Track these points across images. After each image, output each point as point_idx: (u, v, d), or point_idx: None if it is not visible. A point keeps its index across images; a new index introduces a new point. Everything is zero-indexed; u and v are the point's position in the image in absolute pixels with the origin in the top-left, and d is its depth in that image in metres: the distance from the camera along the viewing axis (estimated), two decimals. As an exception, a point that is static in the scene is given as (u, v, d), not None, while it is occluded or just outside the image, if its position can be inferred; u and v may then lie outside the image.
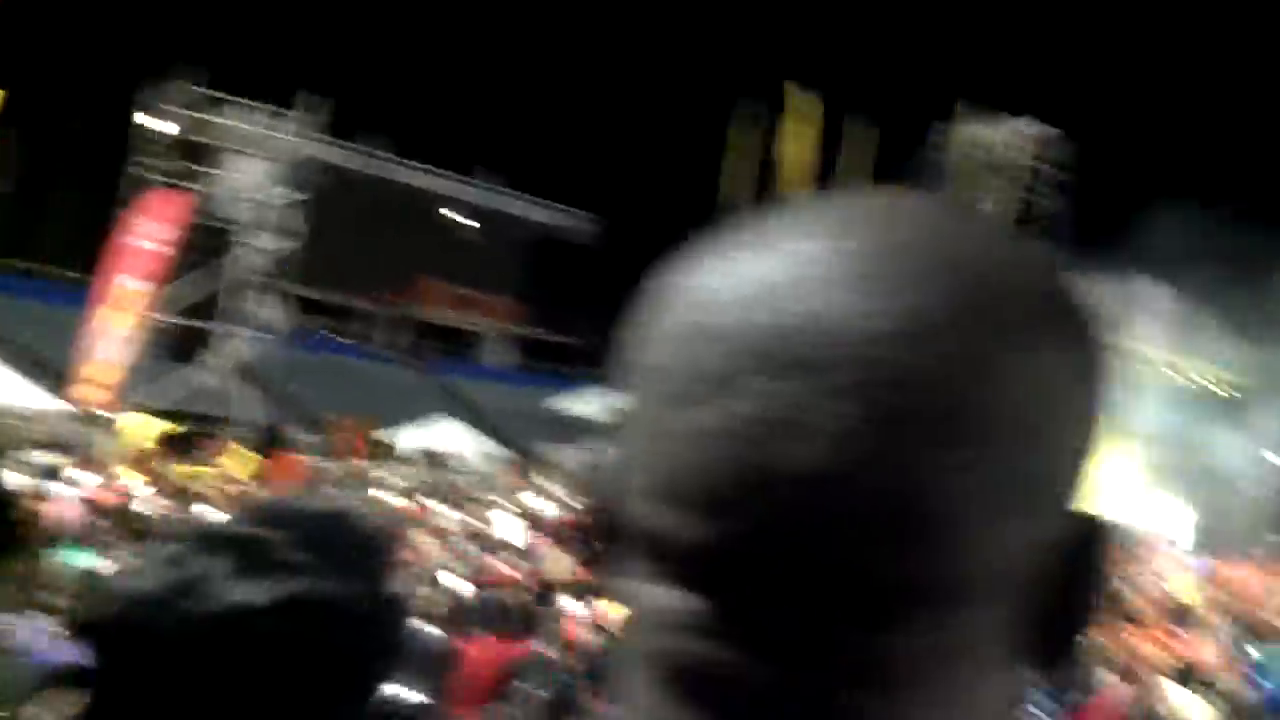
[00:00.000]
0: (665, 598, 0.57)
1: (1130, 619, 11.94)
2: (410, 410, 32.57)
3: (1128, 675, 8.61)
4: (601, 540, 0.62)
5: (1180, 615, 13.51)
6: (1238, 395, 39.72)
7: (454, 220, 47.95)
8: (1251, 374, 39.00)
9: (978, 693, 0.57)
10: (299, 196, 32.64)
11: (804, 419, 0.53)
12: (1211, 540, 31.89)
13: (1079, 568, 0.59)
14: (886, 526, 0.52)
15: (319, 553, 1.26)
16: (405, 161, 45.74)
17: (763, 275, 0.57)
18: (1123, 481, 35.86)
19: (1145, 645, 10.30)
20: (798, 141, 31.99)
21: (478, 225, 48.01)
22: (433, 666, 5.68)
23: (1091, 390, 0.60)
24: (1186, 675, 9.02)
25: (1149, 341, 36.13)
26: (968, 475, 0.53)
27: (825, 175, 32.73)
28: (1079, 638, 0.60)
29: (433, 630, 7.31)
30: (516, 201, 48.69)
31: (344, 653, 1.24)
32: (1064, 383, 0.58)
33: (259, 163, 32.16)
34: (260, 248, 32.19)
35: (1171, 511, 35.47)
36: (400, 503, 15.89)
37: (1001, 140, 35.75)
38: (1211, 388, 39.78)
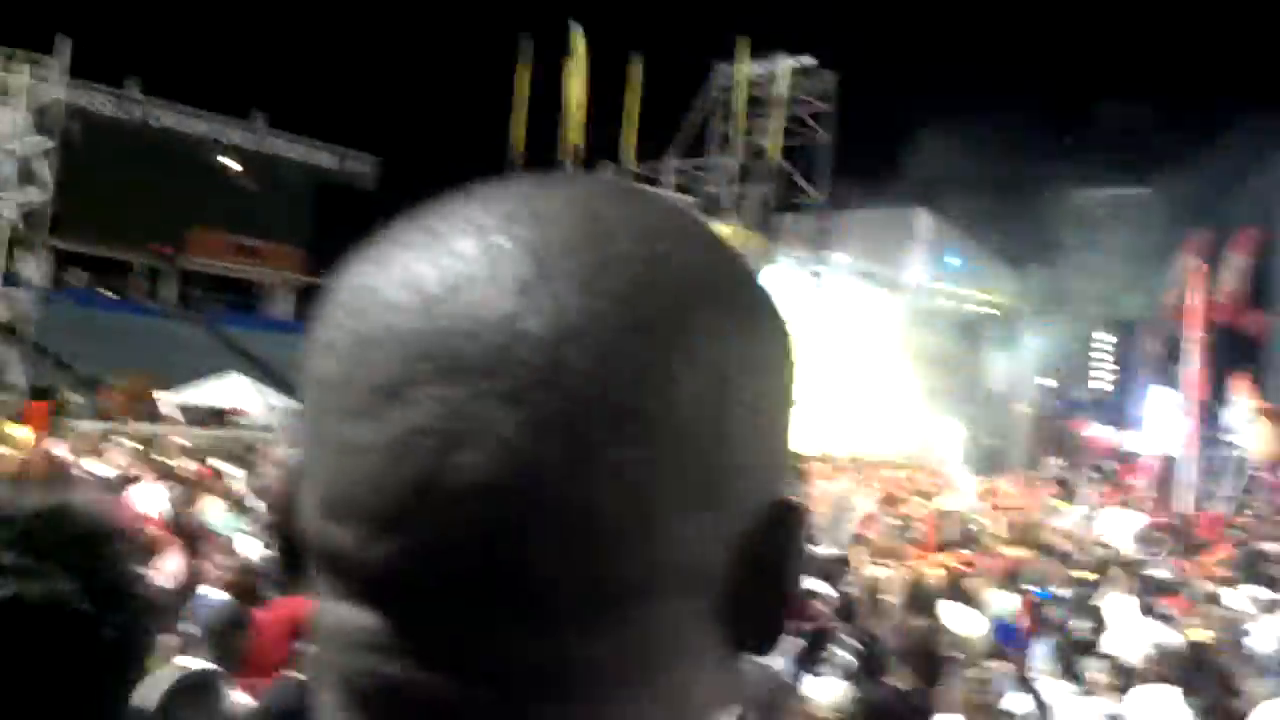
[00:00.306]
0: (346, 615, 0.56)
1: (913, 541, 12.49)
2: (194, 367, 31.48)
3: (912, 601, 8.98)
4: (283, 558, 0.60)
5: (961, 535, 14.22)
6: (1006, 318, 41.73)
7: (228, 166, 46.27)
8: (1019, 297, 41.05)
9: (680, 688, 0.58)
10: (49, 144, 30.81)
11: (471, 427, 0.52)
12: (986, 460, 33.55)
13: (775, 552, 0.59)
14: (561, 533, 0.52)
15: (34, 554, 1.20)
16: (173, 105, 43.80)
17: (425, 275, 0.55)
18: (902, 406, 37.37)
19: (927, 566, 10.81)
20: (580, 80, 31.90)
21: (254, 171, 46.43)
22: (222, 633, 5.52)
23: (774, 376, 0.60)
24: (964, 594, 9.48)
25: (919, 268, 37.59)
26: (641, 476, 0.53)
27: (605, 114, 32.81)
28: (783, 619, 0.60)
29: (222, 596, 7.12)
30: (294, 144, 47.27)
31: (70, 653, 1.20)
32: (741, 373, 0.57)
33: (2, 110, 30.24)
34: (11, 200, 30.33)
35: (948, 434, 37.08)
36: (188, 465, 15.34)
37: (769, 76, 36.34)
38: (981, 311, 41.67)
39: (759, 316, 0.60)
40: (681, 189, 35.62)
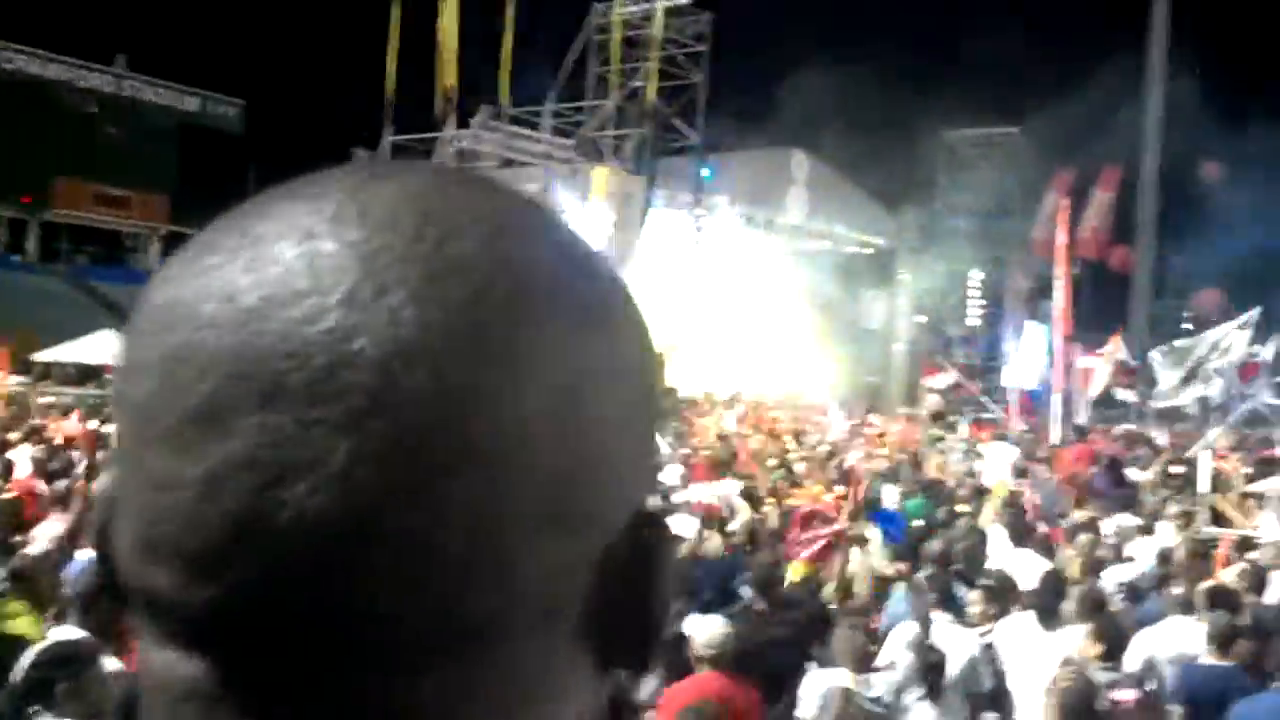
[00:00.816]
0: (170, 663, 0.51)
1: (796, 483, 12.64)
2: (61, 323, 30.42)
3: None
4: (108, 591, 0.55)
5: (840, 471, 14.44)
6: (882, 257, 42.33)
7: (90, 113, 44.57)
8: (894, 236, 41.66)
9: (548, 713, 0.54)
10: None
11: (297, 458, 0.47)
12: (866, 398, 34.11)
13: (640, 567, 0.55)
14: (401, 570, 0.48)
15: None
16: (30, 50, 42.00)
17: (241, 286, 0.50)
18: (784, 347, 37.79)
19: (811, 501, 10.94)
20: (453, 20, 31.28)
21: (117, 117, 44.79)
22: (92, 598, 5.35)
23: (631, 380, 0.56)
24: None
25: (795, 209, 37.87)
26: (488, 503, 0.49)
27: (481, 55, 32.31)
28: (656, 635, 0.57)
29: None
30: (158, 89, 45.69)
31: None
32: (594, 382, 0.53)
33: None
34: None
35: (828, 372, 37.59)
36: (68, 425, 14.83)
37: (645, 16, 36.10)
38: (857, 251, 42.21)
39: (613, 316, 0.56)
40: (559, 132, 35.32)
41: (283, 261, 0.50)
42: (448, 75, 30.92)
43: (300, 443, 0.47)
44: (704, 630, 6.17)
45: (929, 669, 6.41)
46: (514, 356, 0.50)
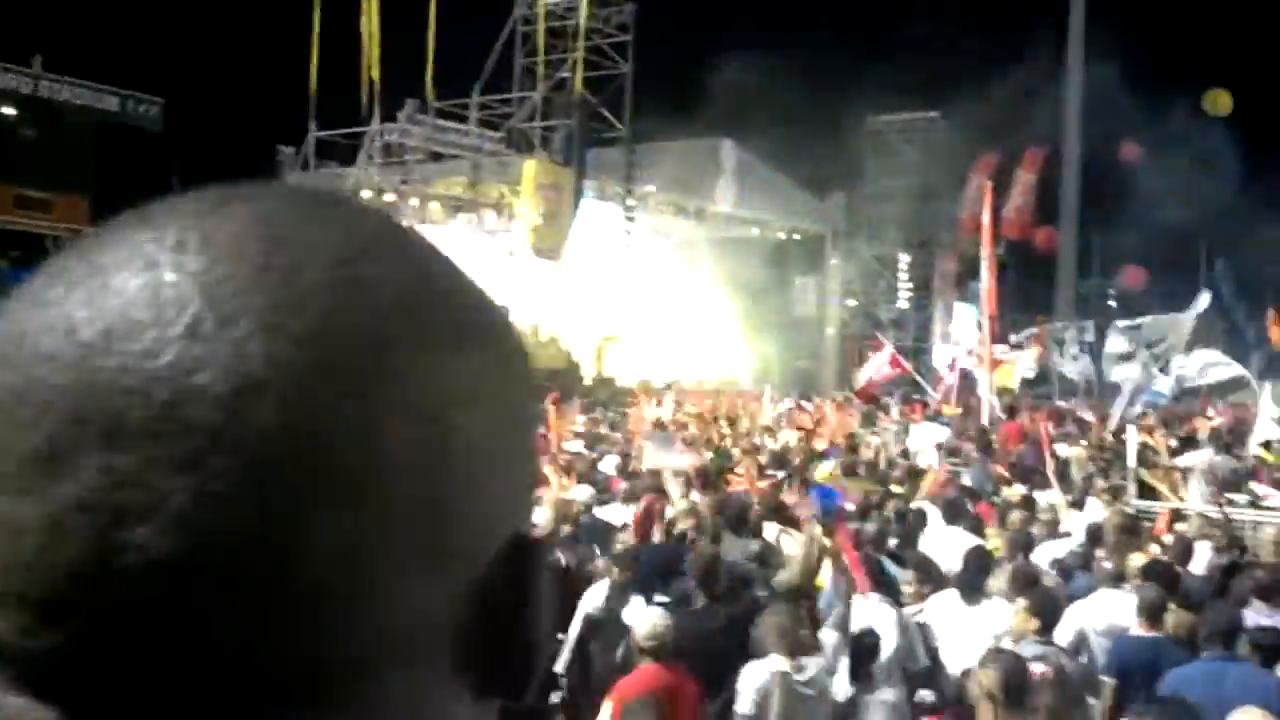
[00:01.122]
0: (20, 709, 0.48)
1: (729, 469, 12.67)
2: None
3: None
4: None
5: (773, 456, 14.51)
6: (811, 243, 42.59)
7: (7, 115, 43.63)
8: (823, 221, 41.92)
9: None
10: None
11: (140, 500, 0.45)
12: (799, 382, 34.32)
13: (514, 595, 0.54)
14: (253, 612, 0.46)
15: None
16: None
17: (80, 319, 0.48)
18: (717, 334, 37.94)
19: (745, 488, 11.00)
20: (375, 13, 30.98)
21: (33, 118, 43.90)
22: None
23: (502, 402, 0.54)
24: (782, 513, 9.69)
25: (724, 197, 37.98)
26: (345, 541, 0.47)
27: (405, 48, 32.04)
28: (532, 662, 0.56)
29: None
30: (75, 89, 44.80)
31: None
32: (458, 408, 0.51)
33: None
34: None
35: (761, 358, 37.80)
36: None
37: (568, 7, 35.95)
38: (787, 237, 42.44)
39: (479, 338, 0.54)
40: (486, 124, 35.13)
41: (124, 293, 0.48)
42: (371, 69, 30.64)
43: (142, 483, 0.45)
44: (643, 622, 6.15)
45: (859, 650, 6.44)
46: (368, 386, 0.48)
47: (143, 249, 0.49)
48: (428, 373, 0.50)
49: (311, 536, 0.46)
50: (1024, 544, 8.99)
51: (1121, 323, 23.30)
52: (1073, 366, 28.06)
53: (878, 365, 23.97)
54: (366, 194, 30.41)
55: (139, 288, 0.48)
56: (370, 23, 30.72)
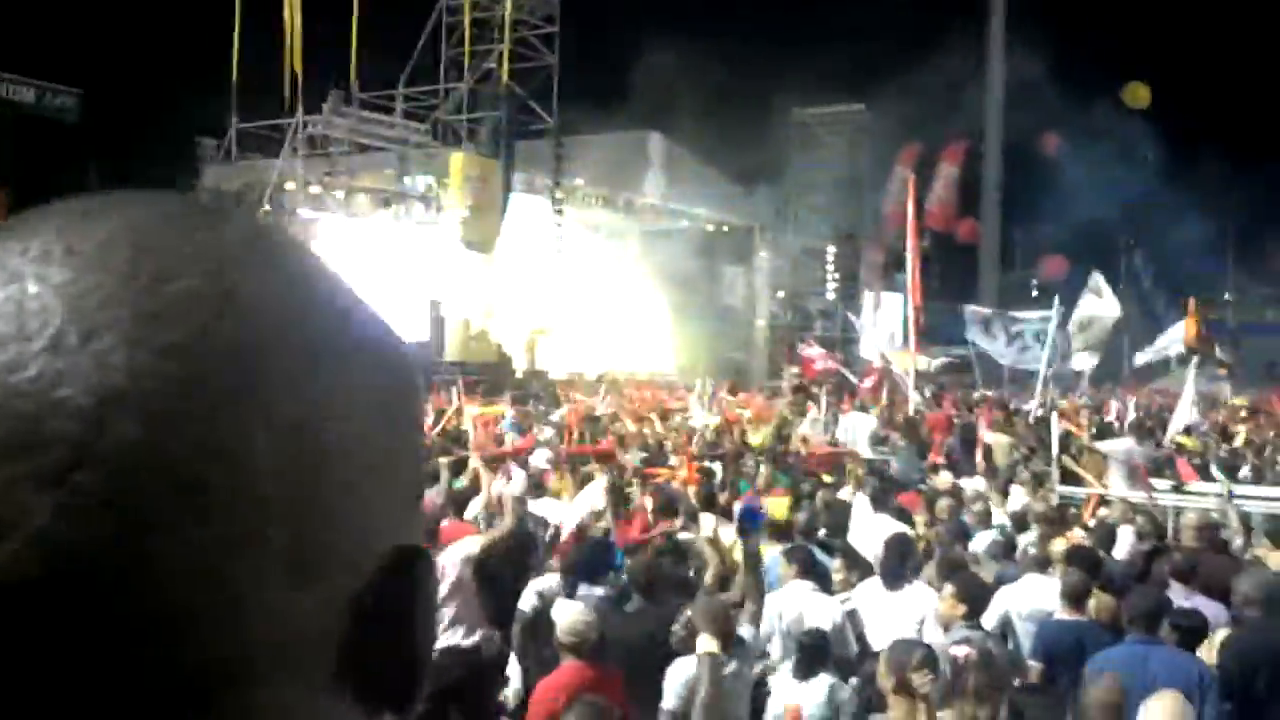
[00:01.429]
0: None
1: (658, 463, 12.68)
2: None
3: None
4: None
5: (705, 447, 14.55)
6: (739, 235, 42.78)
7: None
8: (751, 214, 42.13)
9: None
10: None
11: (3, 516, 0.44)
12: (730, 374, 34.45)
13: (396, 607, 0.54)
14: (119, 629, 0.45)
15: None
16: None
17: None
18: (649, 326, 37.98)
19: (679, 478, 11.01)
20: (298, 5, 30.58)
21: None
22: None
23: (381, 411, 0.54)
24: (714, 505, 9.71)
25: (653, 190, 38.03)
26: (213, 555, 0.46)
27: (329, 40, 31.69)
28: (417, 674, 0.56)
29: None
30: (-12, 81, 43.83)
31: None
32: (333, 419, 0.50)
33: None
34: None
35: (692, 349, 37.86)
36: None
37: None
38: (715, 229, 42.57)
39: (355, 349, 0.53)
40: (412, 116, 34.85)
41: None
42: (294, 60, 30.23)
43: (4, 500, 0.44)
44: (564, 618, 6.10)
45: (806, 644, 6.44)
46: (234, 399, 0.47)
47: (6, 261, 0.48)
48: (298, 385, 0.49)
49: (174, 551, 0.45)
50: (960, 532, 9.08)
51: (1019, 313, 23.51)
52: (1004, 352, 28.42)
53: (817, 356, 24.16)
54: (290, 186, 30.08)
55: (1, 301, 0.47)
56: (292, 12, 30.31)
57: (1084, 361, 22.61)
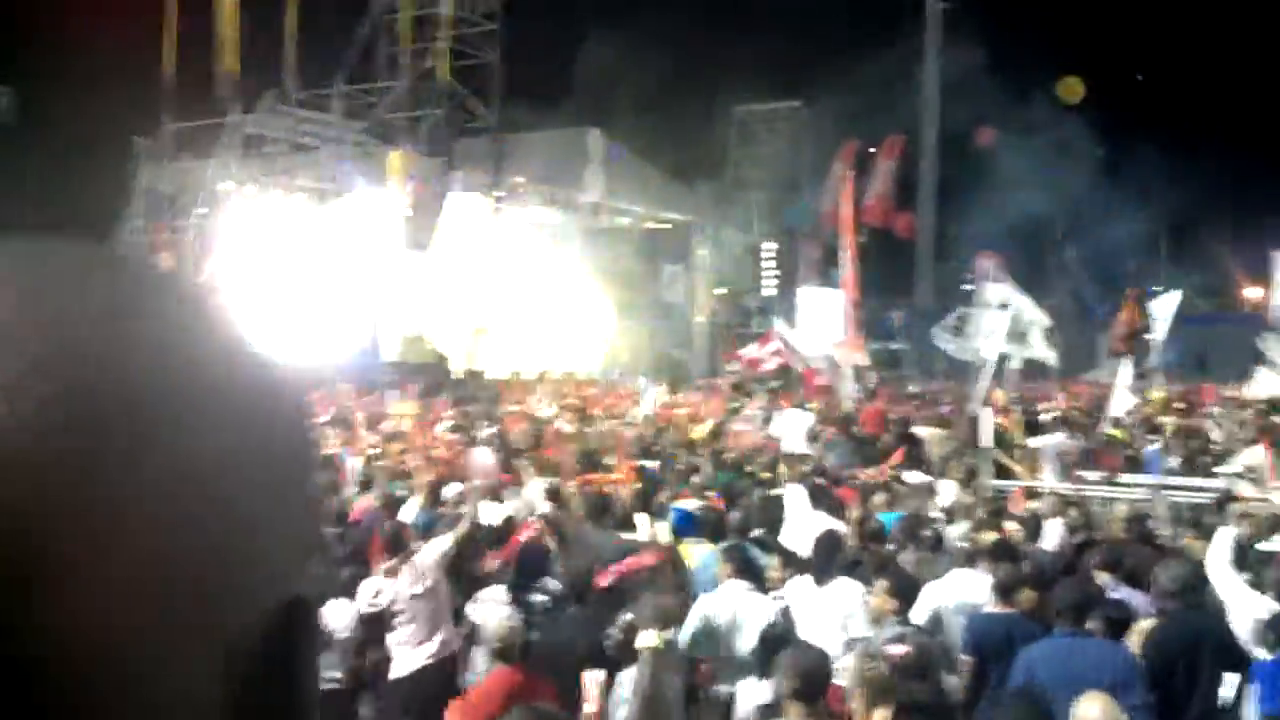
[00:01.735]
0: None
1: (598, 465, 12.71)
2: None
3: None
4: None
5: (643, 447, 14.62)
6: (679, 232, 42.85)
7: None
8: (690, 211, 42.20)
9: None
10: None
11: None
12: (670, 371, 34.53)
13: (285, 660, 0.53)
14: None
15: None
16: None
17: None
18: (589, 324, 37.96)
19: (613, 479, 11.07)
20: (233, 2, 30.24)
21: None
22: None
23: (275, 463, 0.53)
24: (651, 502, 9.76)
25: (593, 187, 38.01)
26: (85, 620, 0.44)
27: (265, 37, 31.38)
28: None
29: None
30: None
31: None
32: (222, 475, 0.49)
33: None
34: None
35: (628, 348, 37.91)
36: None
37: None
38: (655, 226, 42.63)
39: (245, 397, 0.52)
40: (351, 114, 34.57)
41: None
42: (228, 60, 29.90)
43: None
44: (490, 622, 6.09)
45: (767, 641, 6.46)
46: (117, 455, 0.45)
47: None
48: (185, 437, 0.48)
49: (43, 619, 0.44)
50: (915, 527, 9.10)
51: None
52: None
53: (764, 350, 24.13)
54: (228, 185, 29.75)
55: None
56: (227, 9, 29.97)
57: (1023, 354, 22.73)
